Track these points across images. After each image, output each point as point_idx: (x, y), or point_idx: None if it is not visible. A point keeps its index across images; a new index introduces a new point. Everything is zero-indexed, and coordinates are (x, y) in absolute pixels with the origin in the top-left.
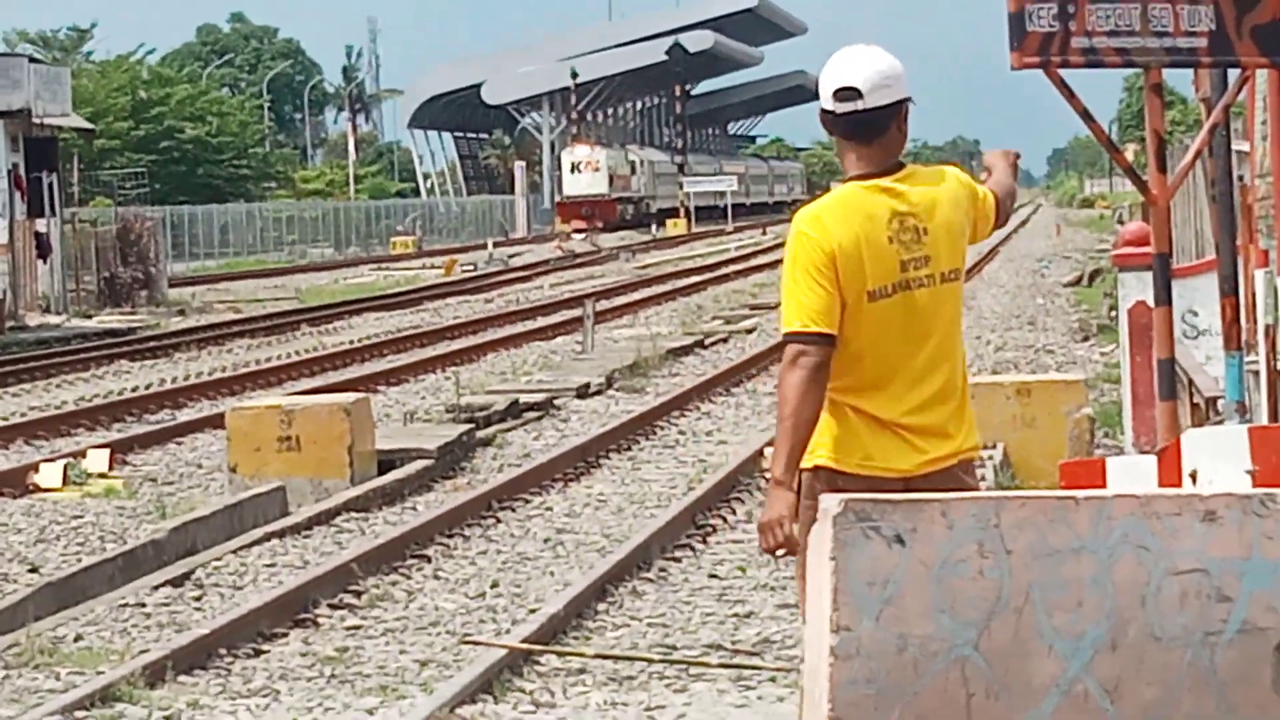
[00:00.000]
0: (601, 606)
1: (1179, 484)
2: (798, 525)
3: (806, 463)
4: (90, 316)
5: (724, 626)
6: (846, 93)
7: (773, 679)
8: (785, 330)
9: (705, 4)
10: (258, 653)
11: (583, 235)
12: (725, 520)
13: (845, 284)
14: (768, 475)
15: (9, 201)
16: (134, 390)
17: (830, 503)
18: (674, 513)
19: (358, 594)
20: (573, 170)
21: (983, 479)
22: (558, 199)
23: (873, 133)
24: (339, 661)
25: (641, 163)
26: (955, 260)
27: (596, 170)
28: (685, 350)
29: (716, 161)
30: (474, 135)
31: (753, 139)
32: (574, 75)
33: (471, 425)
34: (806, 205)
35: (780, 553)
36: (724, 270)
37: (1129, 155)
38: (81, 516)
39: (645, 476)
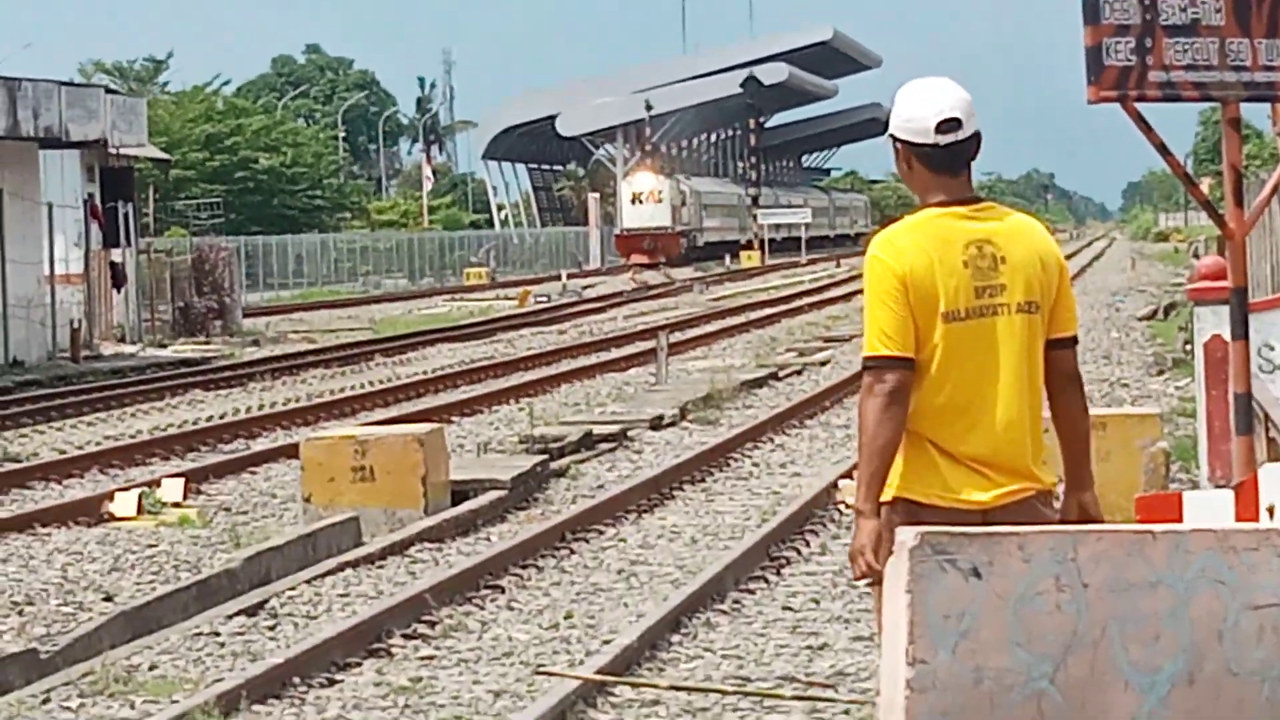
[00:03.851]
0: (675, 638)
1: (1256, 519)
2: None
3: (885, 495)
4: (165, 346)
5: (798, 659)
6: (950, 124)
7: (847, 712)
8: (863, 355)
9: (780, 37)
10: (331, 682)
11: (656, 269)
12: (799, 552)
13: (917, 305)
14: (845, 506)
15: (85, 231)
16: (208, 420)
17: (906, 535)
18: (748, 545)
19: (431, 624)
20: (633, 202)
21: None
22: (617, 231)
23: (963, 162)
24: (413, 692)
25: (691, 192)
26: (1033, 293)
27: (659, 201)
28: (759, 382)
29: (774, 194)
30: (548, 167)
31: (827, 172)
32: (648, 107)
33: (545, 456)
34: (880, 231)
35: (864, 582)
36: (798, 303)
37: (1204, 189)
38: (156, 545)
39: (719, 508)
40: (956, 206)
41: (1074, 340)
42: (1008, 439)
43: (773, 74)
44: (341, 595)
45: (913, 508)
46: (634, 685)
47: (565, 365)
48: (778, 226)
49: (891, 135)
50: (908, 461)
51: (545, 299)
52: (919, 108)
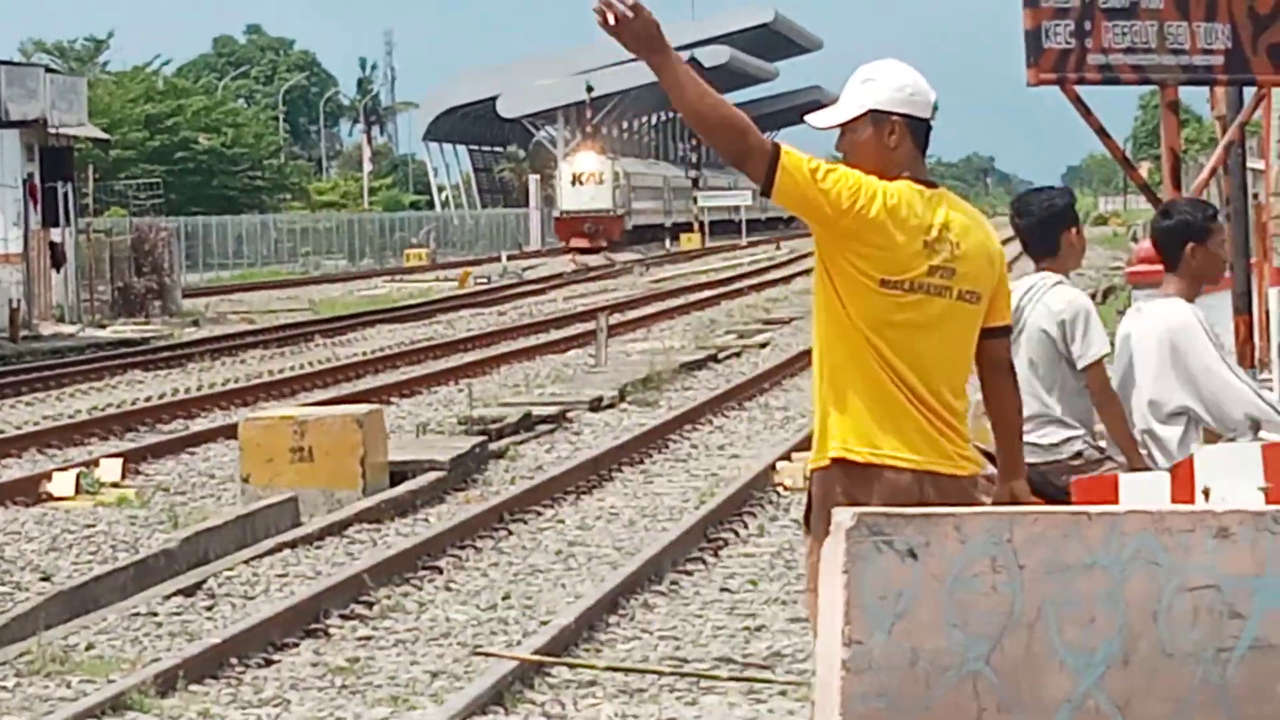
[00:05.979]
0: (613, 619)
1: (1192, 501)
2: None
3: (821, 460)
4: (104, 326)
5: (735, 640)
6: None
7: (783, 692)
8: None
9: (721, 19)
10: (269, 662)
11: (597, 253)
12: (737, 534)
13: (881, 242)
14: (784, 488)
15: (24, 211)
16: (147, 400)
17: (843, 516)
18: (686, 526)
19: (369, 605)
20: (574, 183)
21: None
22: (556, 214)
23: None
24: (350, 672)
25: (623, 174)
26: (978, 284)
27: (600, 183)
28: (698, 364)
29: (704, 176)
30: (489, 148)
31: None
32: (589, 89)
33: (484, 437)
34: None
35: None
36: (737, 285)
37: (1143, 173)
38: (94, 525)
39: (657, 490)
40: (920, 186)
41: (1008, 330)
42: (926, 418)
43: (714, 56)
44: (279, 576)
45: (847, 466)
46: (571, 666)
47: (505, 347)
48: (711, 210)
49: (877, 110)
50: (841, 420)
51: (485, 280)
52: (921, 83)
